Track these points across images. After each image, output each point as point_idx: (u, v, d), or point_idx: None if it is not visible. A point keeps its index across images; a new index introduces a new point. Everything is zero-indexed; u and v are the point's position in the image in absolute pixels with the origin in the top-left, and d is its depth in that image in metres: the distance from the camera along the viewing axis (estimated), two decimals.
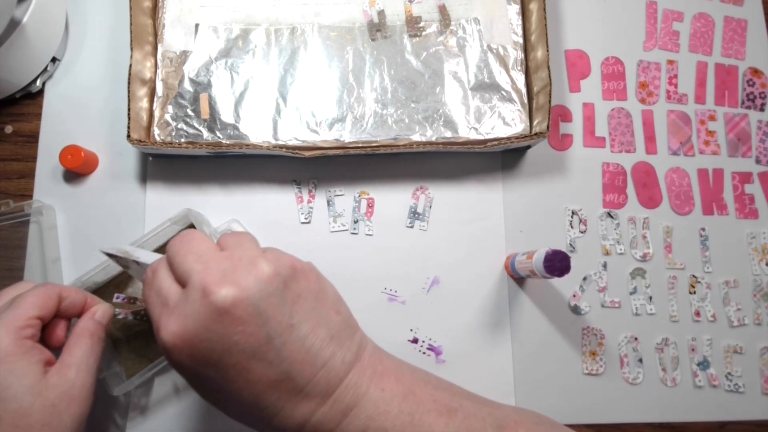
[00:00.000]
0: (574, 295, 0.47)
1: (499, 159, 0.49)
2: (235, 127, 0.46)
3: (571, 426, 0.45)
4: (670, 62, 0.53)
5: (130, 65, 0.45)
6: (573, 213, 0.49)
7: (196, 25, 0.48)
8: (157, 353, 0.43)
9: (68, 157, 0.45)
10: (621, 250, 0.49)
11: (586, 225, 0.49)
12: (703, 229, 0.49)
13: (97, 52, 0.50)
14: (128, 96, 0.44)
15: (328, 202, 0.48)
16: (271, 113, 0.46)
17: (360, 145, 0.46)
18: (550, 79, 0.45)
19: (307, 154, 0.45)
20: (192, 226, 0.44)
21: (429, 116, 0.47)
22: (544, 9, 0.46)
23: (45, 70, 0.48)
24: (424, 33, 0.48)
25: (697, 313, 0.48)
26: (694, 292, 0.48)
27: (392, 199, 0.48)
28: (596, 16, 0.53)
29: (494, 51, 0.48)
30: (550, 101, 0.45)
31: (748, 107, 0.52)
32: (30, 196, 0.47)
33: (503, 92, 0.47)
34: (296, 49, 0.48)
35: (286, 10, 0.48)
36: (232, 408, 0.28)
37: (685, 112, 0.52)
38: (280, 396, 0.27)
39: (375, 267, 0.47)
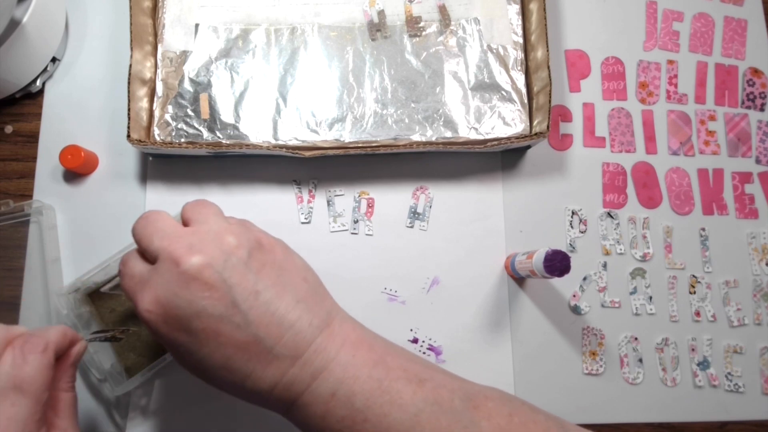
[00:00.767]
0: (574, 295, 0.47)
1: (499, 159, 0.49)
2: (235, 127, 0.46)
3: None
4: (670, 62, 0.53)
5: (130, 65, 0.45)
6: (573, 213, 0.49)
7: (196, 25, 0.48)
8: (156, 354, 0.43)
9: (68, 157, 0.45)
10: (621, 250, 0.49)
11: (586, 225, 0.49)
12: (703, 229, 0.49)
13: (97, 52, 0.50)
14: (128, 96, 0.44)
15: (328, 202, 0.48)
16: (271, 113, 0.46)
17: (360, 145, 0.46)
18: (550, 79, 0.45)
19: (307, 154, 0.45)
20: None
21: (429, 116, 0.47)
22: (544, 9, 0.47)
23: (45, 70, 0.48)
24: (424, 33, 0.48)
25: (697, 313, 0.48)
26: (694, 292, 0.48)
27: (392, 199, 0.48)
28: (596, 16, 0.53)
29: (494, 51, 0.48)
30: (550, 101, 0.45)
31: (748, 107, 0.52)
32: (30, 196, 0.47)
33: (503, 92, 0.47)
34: (296, 49, 0.48)
35: (286, 10, 0.48)
36: (208, 372, 0.29)
37: (685, 112, 0.52)
38: (250, 358, 0.28)
39: (375, 267, 0.47)
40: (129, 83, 0.44)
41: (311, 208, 0.48)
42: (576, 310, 0.47)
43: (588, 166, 0.50)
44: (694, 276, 0.49)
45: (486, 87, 0.47)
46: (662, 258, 0.49)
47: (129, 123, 0.44)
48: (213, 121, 0.46)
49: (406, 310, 0.47)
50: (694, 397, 0.46)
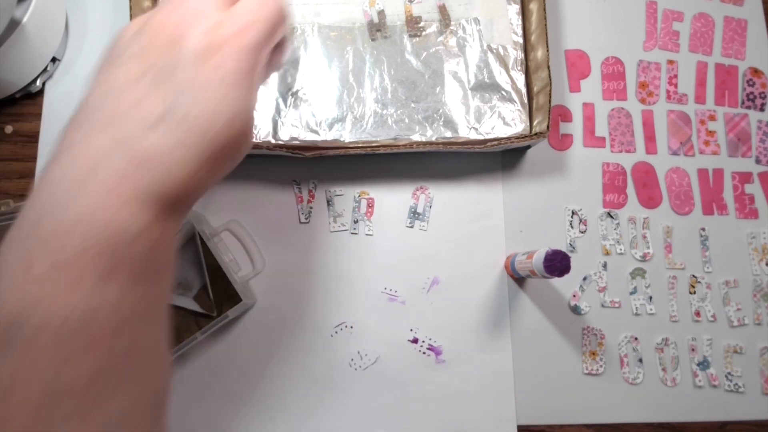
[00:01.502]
0: (574, 295, 0.47)
1: (499, 159, 0.49)
2: None
3: (571, 426, 0.45)
4: (670, 62, 0.53)
5: None
6: (573, 213, 0.49)
7: None
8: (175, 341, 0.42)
9: None
10: (621, 250, 0.49)
11: (586, 225, 0.49)
12: (703, 229, 0.49)
13: (97, 52, 0.50)
14: None
15: (327, 202, 0.48)
16: (270, 113, 0.46)
17: (360, 145, 0.46)
18: (550, 79, 0.45)
19: (307, 154, 0.45)
20: (191, 226, 0.44)
21: (429, 116, 0.47)
22: (544, 9, 0.46)
23: (45, 70, 0.48)
24: (424, 33, 0.48)
25: (697, 313, 0.48)
26: (694, 292, 0.48)
27: (392, 199, 0.48)
28: (596, 16, 0.53)
29: (494, 51, 0.48)
30: (550, 101, 0.45)
31: (748, 107, 0.52)
32: None
33: (503, 92, 0.47)
34: (296, 49, 0.48)
35: None
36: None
37: (685, 112, 0.52)
38: None
39: (375, 267, 0.47)
40: None
41: (311, 207, 0.48)
42: (576, 310, 0.47)
43: (588, 166, 0.50)
44: (694, 276, 0.49)
45: (486, 87, 0.47)
46: (662, 258, 0.49)
47: None
48: None
49: (406, 310, 0.47)
50: (694, 397, 0.46)
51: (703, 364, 0.47)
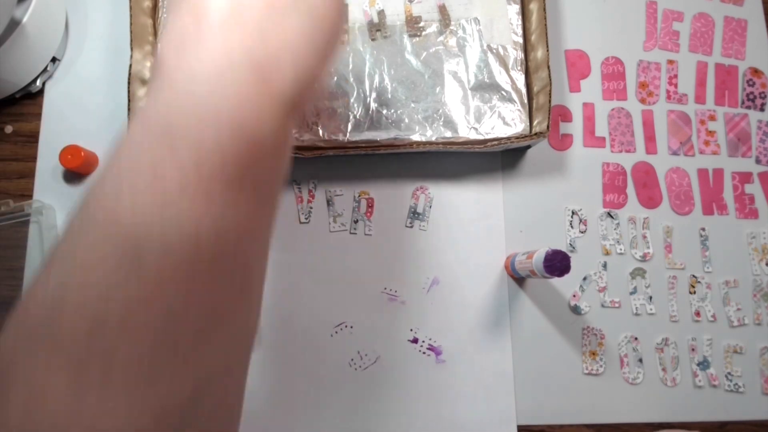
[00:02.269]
0: (574, 295, 0.47)
1: (499, 159, 0.49)
2: None
3: (571, 426, 0.45)
4: (670, 62, 0.53)
5: (130, 65, 0.45)
6: (573, 213, 0.49)
7: None
8: None
9: (68, 157, 0.45)
10: (621, 250, 0.49)
11: (586, 225, 0.49)
12: (703, 229, 0.49)
13: (97, 52, 0.50)
14: (128, 96, 0.44)
15: (327, 202, 0.48)
16: None
17: (360, 145, 0.46)
18: (550, 79, 0.45)
19: (307, 154, 0.45)
20: None
21: (429, 116, 0.47)
22: (544, 9, 0.47)
23: (45, 70, 0.48)
24: (424, 33, 0.48)
25: (697, 313, 0.48)
26: (694, 292, 0.48)
27: (392, 199, 0.48)
28: (596, 16, 0.53)
29: (494, 51, 0.48)
30: (550, 101, 0.45)
31: (748, 107, 0.52)
32: (30, 196, 0.47)
33: (503, 92, 0.47)
34: None
35: None
36: None
37: (685, 112, 0.52)
38: None
39: (375, 267, 0.47)
40: (129, 83, 0.44)
41: (311, 207, 0.48)
42: (576, 310, 0.47)
43: (588, 166, 0.50)
44: (694, 276, 0.49)
45: (486, 87, 0.47)
46: (662, 258, 0.49)
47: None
48: None
49: (406, 310, 0.47)
50: (694, 397, 0.46)
51: (703, 364, 0.47)
